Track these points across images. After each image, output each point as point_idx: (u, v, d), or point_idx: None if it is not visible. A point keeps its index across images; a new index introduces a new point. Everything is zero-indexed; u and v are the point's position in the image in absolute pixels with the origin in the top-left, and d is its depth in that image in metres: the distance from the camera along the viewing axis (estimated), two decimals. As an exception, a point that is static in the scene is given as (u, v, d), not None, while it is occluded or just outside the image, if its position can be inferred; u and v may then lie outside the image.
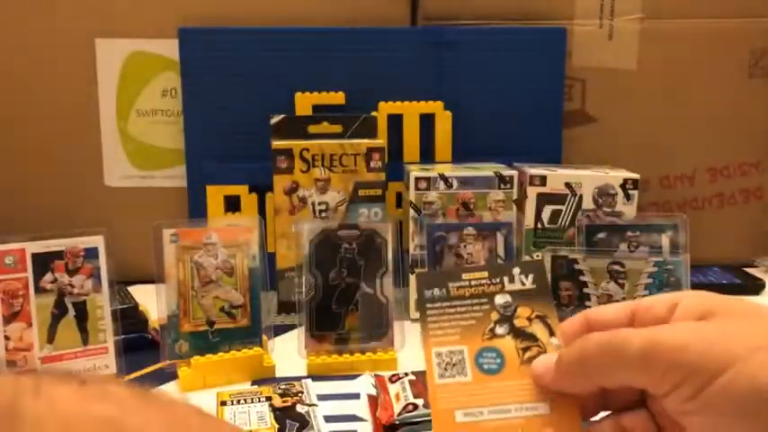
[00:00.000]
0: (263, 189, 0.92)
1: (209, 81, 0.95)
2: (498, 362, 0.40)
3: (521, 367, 0.40)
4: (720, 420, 0.32)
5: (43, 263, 0.66)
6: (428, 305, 0.42)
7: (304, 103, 0.93)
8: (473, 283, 0.42)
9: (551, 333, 0.41)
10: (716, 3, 0.97)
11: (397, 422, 0.56)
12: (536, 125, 0.97)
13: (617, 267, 0.75)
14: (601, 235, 0.80)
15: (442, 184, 0.85)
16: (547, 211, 0.86)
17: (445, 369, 0.40)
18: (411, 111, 0.94)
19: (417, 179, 0.85)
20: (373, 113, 0.92)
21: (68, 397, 0.26)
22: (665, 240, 0.78)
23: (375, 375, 0.66)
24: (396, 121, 0.94)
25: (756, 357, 0.31)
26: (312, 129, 0.89)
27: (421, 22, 0.98)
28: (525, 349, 0.40)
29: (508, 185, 0.86)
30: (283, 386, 0.65)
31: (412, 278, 0.86)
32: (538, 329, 0.41)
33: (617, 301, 0.73)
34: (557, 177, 0.86)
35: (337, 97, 0.94)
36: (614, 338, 0.34)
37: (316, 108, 0.93)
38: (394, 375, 0.64)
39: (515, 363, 0.40)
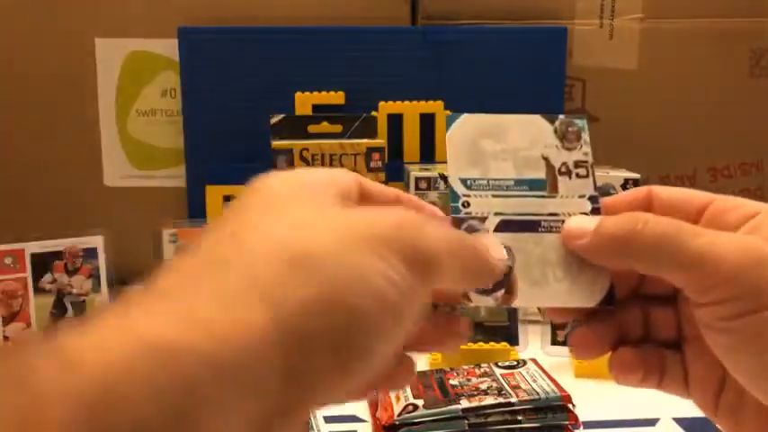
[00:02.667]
0: (262, 189, 0.92)
1: (209, 81, 0.95)
2: None
3: None
4: (746, 350, 0.31)
5: (42, 263, 0.66)
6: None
7: (304, 102, 0.93)
8: None
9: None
10: (717, 2, 0.97)
11: (397, 423, 0.56)
12: (536, 125, 0.96)
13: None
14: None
15: (441, 184, 0.85)
16: (548, 211, 0.86)
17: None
18: (411, 110, 0.94)
19: (417, 179, 0.85)
20: (373, 113, 0.92)
21: None
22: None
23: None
24: (396, 121, 0.94)
25: None
26: (312, 128, 0.89)
27: (421, 21, 0.98)
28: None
29: (508, 185, 0.85)
30: (283, 387, 0.65)
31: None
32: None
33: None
34: (557, 177, 0.86)
35: (337, 97, 0.94)
36: (677, 233, 0.31)
37: (316, 108, 0.93)
38: (394, 376, 0.63)
39: None
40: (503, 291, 0.34)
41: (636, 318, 0.36)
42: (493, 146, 0.37)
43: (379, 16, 0.96)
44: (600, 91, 0.98)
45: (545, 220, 0.36)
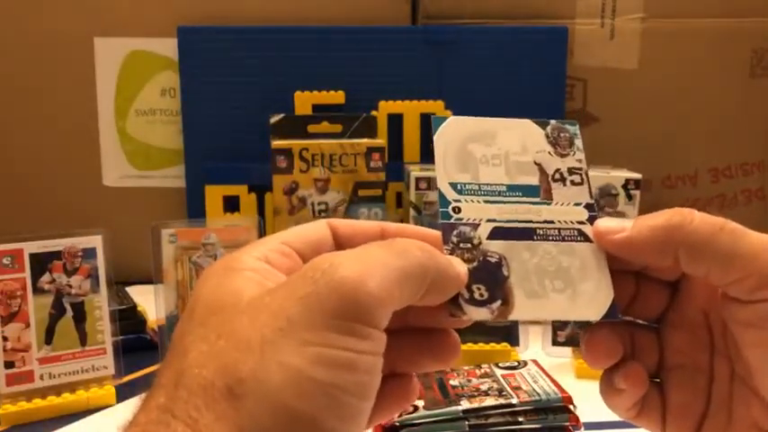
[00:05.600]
0: (262, 189, 0.92)
1: (209, 80, 0.94)
2: None
3: None
4: None
5: (41, 263, 0.66)
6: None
7: (304, 102, 0.93)
8: None
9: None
10: (717, 2, 0.96)
11: (398, 424, 0.56)
12: (537, 125, 0.96)
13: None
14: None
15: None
16: (548, 212, 0.85)
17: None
18: (411, 110, 0.94)
19: (417, 179, 0.85)
20: (373, 113, 0.92)
21: None
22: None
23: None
24: (396, 121, 0.94)
25: None
26: (312, 128, 0.89)
27: (421, 21, 0.98)
28: None
29: (509, 185, 0.85)
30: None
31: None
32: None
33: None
34: (558, 177, 0.85)
35: (337, 97, 0.93)
36: (729, 224, 0.31)
37: (315, 107, 0.93)
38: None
39: None
40: (499, 302, 0.32)
41: (626, 339, 0.35)
42: (482, 150, 0.36)
43: (379, 16, 0.96)
44: (601, 91, 0.98)
45: (540, 228, 0.34)
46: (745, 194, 1.01)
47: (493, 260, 0.33)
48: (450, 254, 0.32)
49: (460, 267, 0.31)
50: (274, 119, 0.88)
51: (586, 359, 0.34)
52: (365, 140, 0.87)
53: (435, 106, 0.94)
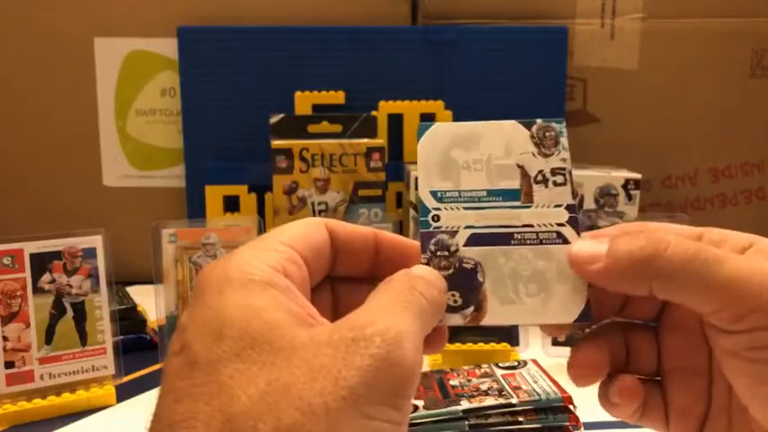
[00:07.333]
0: (262, 189, 0.92)
1: (209, 80, 0.94)
2: None
3: None
4: None
5: (41, 263, 0.66)
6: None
7: (304, 102, 0.93)
8: None
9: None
10: (718, 2, 0.96)
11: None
12: (537, 125, 0.96)
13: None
14: (602, 235, 0.79)
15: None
16: (548, 212, 0.85)
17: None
18: (411, 110, 0.94)
19: (417, 179, 0.85)
20: (373, 113, 0.92)
21: None
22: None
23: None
24: (396, 121, 0.94)
25: None
26: (312, 128, 0.89)
27: (422, 21, 0.98)
28: None
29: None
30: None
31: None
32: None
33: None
34: (558, 177, 0.85)
35: (337, 96, 0.93)
36: (703, 253, 0.30)
37: (315, 107, 0.93)
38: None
39: None
40: (472, 308, 0.32)
41: (620, 345, 0.35)
42: (465, 156, 0.36)
43: (379, 16, 0.96)
44: (601, 91, 0.98)
45: (518, 233, 0.34)
46: (745, 194, 1.01)
47: (468, 266, 0.33)
48: (428, 262, 0.33)
49: (441, 284, 0.32)
50: (274, 119, 0.88)
51: (572, 380, 0.34)
52: (365, 140, 0.87)
53: (435, 106, 0.94)
